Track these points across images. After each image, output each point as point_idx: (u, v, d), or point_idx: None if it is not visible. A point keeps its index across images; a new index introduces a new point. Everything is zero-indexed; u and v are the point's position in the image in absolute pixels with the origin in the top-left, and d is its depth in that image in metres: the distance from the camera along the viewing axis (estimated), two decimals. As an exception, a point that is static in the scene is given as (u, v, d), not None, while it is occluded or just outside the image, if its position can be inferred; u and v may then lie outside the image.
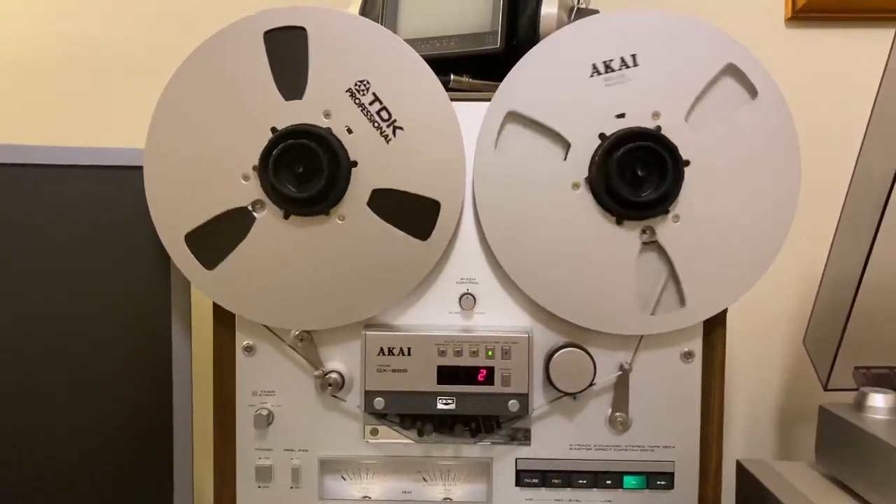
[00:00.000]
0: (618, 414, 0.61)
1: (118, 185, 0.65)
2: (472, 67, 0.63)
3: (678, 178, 0.56)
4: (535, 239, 0.58)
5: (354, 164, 0.57)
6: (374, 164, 0.57)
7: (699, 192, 0.57)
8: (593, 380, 0.59)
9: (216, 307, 0.61)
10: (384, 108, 0.57)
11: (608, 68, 0.57)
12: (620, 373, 0.61)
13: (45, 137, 0.75)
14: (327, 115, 0.57)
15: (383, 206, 0.57)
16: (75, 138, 0.82)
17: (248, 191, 0.58)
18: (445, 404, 0.59)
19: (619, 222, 0.57)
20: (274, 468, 0.63)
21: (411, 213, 0.57)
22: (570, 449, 0.62)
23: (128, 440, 0.67)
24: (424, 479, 0.64)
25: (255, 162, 0.57)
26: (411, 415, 0.61)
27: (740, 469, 0.76)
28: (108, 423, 0.67)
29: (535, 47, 0.57)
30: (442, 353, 0.59)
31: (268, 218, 0.58)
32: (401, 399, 0.59)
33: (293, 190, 0.56)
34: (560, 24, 0.62)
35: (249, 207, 0.58)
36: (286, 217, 0.57)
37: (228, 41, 0.57)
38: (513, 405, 0.58)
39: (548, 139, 0.58)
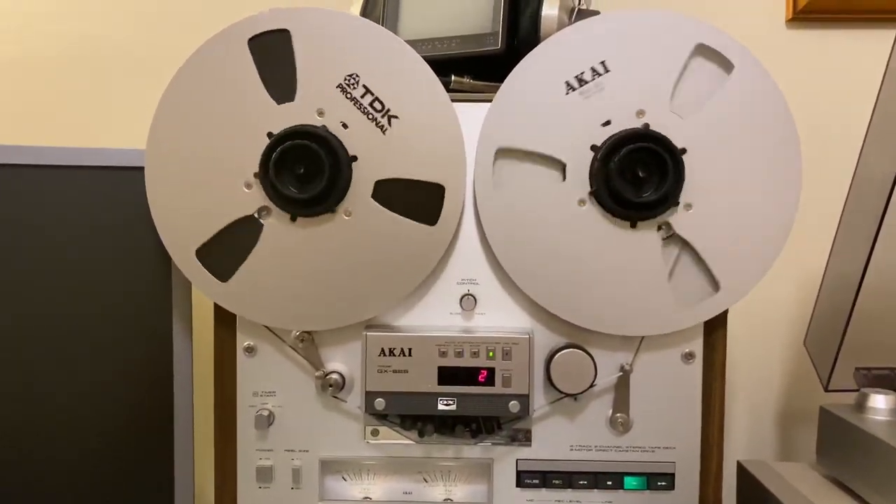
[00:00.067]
0: (618, 415, 0.61)
1: (119, 185, 0.65)
2: (472, 68, 0.63)
3: (679, 169, 0.56)
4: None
5: (354, 158, 0.57)
6: (374, 156, 0.57)
7: (703, 175, 0.57)
8: (594, 381, 0.59)
9: (217, 308, 0.61)
10: (376, 99, 0.57)
11: (581, 81, 0.57)
12: (621, 374, 0.61)
13: (45, 138, 0.75)
14: (321, 113, 0.57)
15: (388, 196, 0.57)
16: (75, 139, 0.82)
17: (253, 198, 0.58)
18: (446, 405, 0.59)
19: (633, 226, 0.57)
20: (275, 469, 0.63)
21: (417, 199, 0.57)
22: (571, 450, 0.62)
23: (128, 440, 0.67)
24: (425, 480, 0.64)
25: (256, 169, 0.57)
26: (412, 415, 0.61)
27: (741, 470, 0.76)
28: (108, 423, 0.67)
29: (510, 74, 0.57)
30: (443, 354, 0.59)
31: (275, 223, 0.58)
32: (401, 400, 0.59)
33: (296, 192, 0.56)
34: (561, 25, 0.62)
35: (256, 215, 0.58)
36: (293, 220, 0.57)
37: (215, 51, 0.57)
38: (513, 406, 0.58)
39: (543, 164, 0.58)
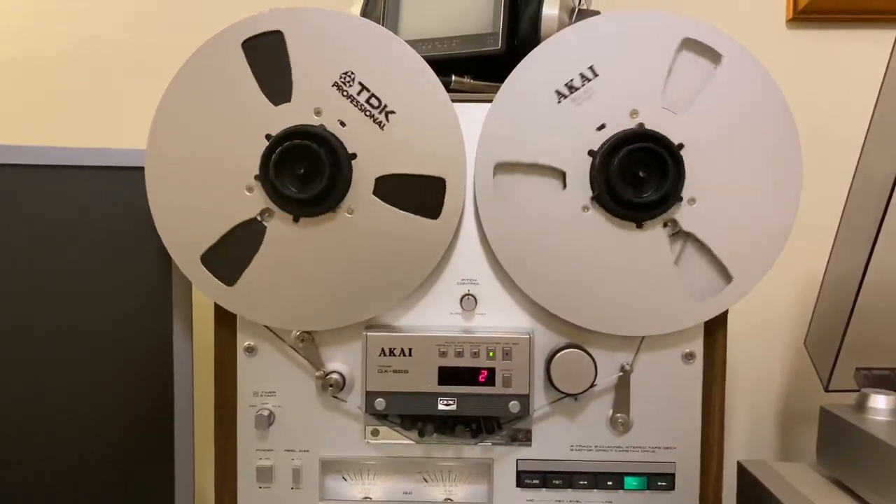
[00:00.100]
0: (619, 415, 0.61)
1: (119, 185, 0.65)
2: (473, 68, 0.63)
3: (678, 165, 0.56)
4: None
5: (353, 156, 0.57)
6: (373, 153, 0.57)
7: (704, 168, 0.57)
8: (594, 381, 0.59)
9: (217, 308, 0.61)
10: (373, 96, 0.57)
11: (572, 88, 0.57)
12: (621, 374, 0.61)
13: (45, 138, 0.75)
14: (318, 112, 0.57)
15: (389, 192, 0.57)
16: (75, 138, 0.82)
17: (254, 201, 0.58)
18: (446, 405, 0.59)
19: (639, 226, 0.57)
20: (275, 469, 0.63)
21: (418, 194, 0.57)
22: (571, 450, 0.62)
23: (129, 440, 0.67)
24: (425, 480, 0.64)
25: (256, 172, 0.57)
26: (412, 415, 0.61)
27: (741, 470, 0.76)
28: (109, 423, 0.67)
29: (501, 88, 0.57)
30: (443, 354, 0.59)
31: (278, 225, 0.58)
32: (402, 400, 0.59)
33: (297, 192, 0.56)
34: (561, 25, 0.62)
35: (258, 218, 0.58)
36: (296, 220, 0.57)
37: (210, 55, 0.57)
38: (514, 406, 0.58)
39: (543, 175, 0.58)
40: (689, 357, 0.61)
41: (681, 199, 0.57)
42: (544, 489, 0.62)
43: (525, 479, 0.62)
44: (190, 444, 0.67)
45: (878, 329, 0.72)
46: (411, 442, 0.62)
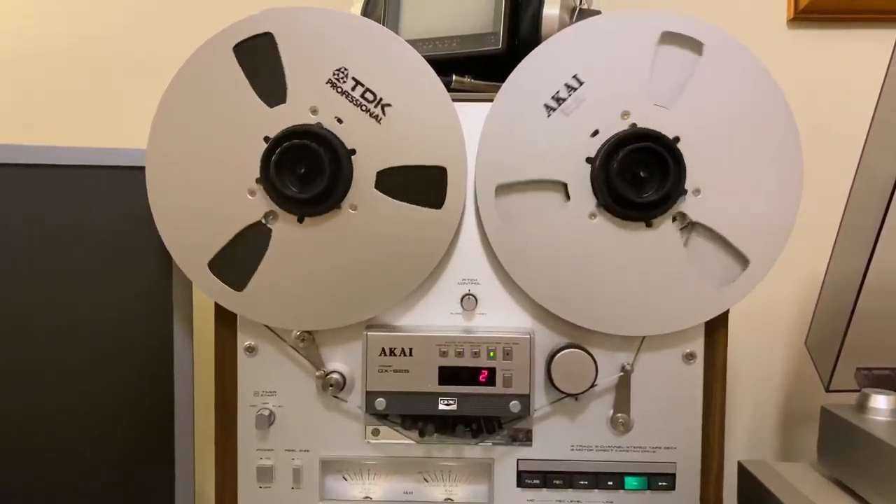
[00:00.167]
0: (619, 415, 0.61)
1: (119, 184, 0.65)
2: (474, 68, 0.63)
3: (677, 159, 0.56)
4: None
5: (353, 151, 0.57)
6: (372, 147, 0.57)
7: (703, 158, 0.56)
8: (595, 381, 0.59)
9: (217, 307, 0.61)
10: (367, 90, 0.57)
11: (559, 100, 0.57)
12: (622, 374, 0.61)
13: (45, 137, 0.75)
14: (314, 111, 0.57)
15: (391, 185, 0.57)
16: (75, 138, 0.82)
17: (257, 205, 0.58)
18: (447, 405, 0.59)
19: (648, 225, 0.57)
20: (275, 468, 0.63)
21: (420, 185, 0.57)
22: (572, 450, 0.62)
23: (129, 440, 0.67)
24: (426, 480, 0.64)
25: (257, 175, 0.57)
26: (412, 415, 0.61)
27: (742, 470, 0.76)
28: (109, 423, 0.67)
29: (490, 110, 0.57)
30: (443, 354, 0.59)
31: (283, 226, 0.58)
32: (402, 399, 0.59)
33: (300, 192, 0.56)
34: (562, 25, 0.62)
35: (263, 221, 0.58)
36: (300, 221, 0.57)
37: (203, 62, 0.57)
38: (514, 406, 0.58)
39: (545, 189, 0.58)
40: (689, 357, 0.61)
41: (685, 191, 0.56)
42: (545, 489, 0.62)
43: (525, 479, 0.62)
44: (190, 444, 0.67)
45: (879, 329, 0.72)
46: (412, 442, 0.62)
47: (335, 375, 0.60)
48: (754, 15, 0.95)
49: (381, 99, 0.57)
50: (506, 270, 0.59)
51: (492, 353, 0.58)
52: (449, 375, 0.58)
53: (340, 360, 0.62)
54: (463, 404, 0.59)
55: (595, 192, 0.57)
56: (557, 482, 0.62)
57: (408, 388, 0.59)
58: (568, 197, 0.57)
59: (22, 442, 0.66)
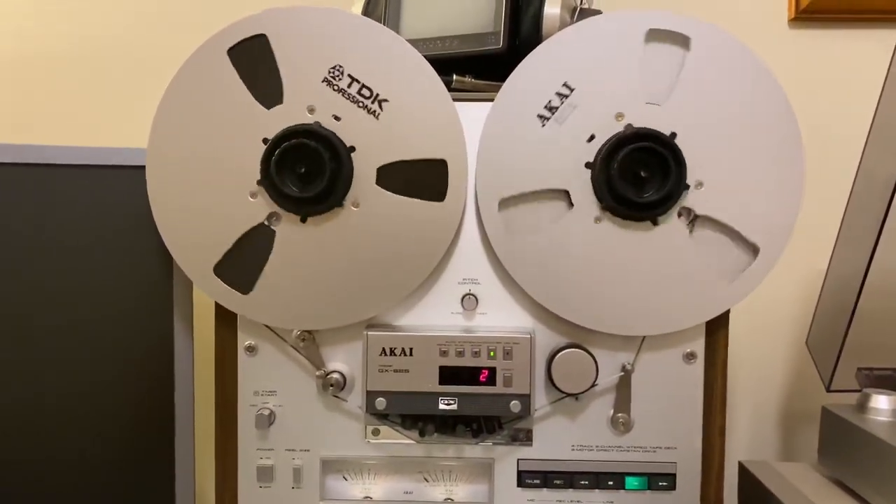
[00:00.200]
0: (620, 415, 0.61)
1: (119, 184, 0.65)
2: (474, 68, 0.63)
3: (676, 154, 0.55)
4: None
5: (352, 149, 0.57)
6: (372, 143, 0.57)
7: (702, 150, 0.56)
8: (595, 380, 0.59)
9: (218, 307, 0.61)
10: (363, 86, 0.57)
11: (552, 109, 0.57)
12: (622, 373, 0.60)
13: (46, 136, 0.75)
14: (311, 110, 0.57)
15: (392, 180, 0.57)
16: (75, 137, 0.82)
17: (260, 206, 0.58)
18: (447, 405, 0.59)
19: (655, 223, 0.57)
20: (275, 468, 0.62)
21: (421, 179, 0.57)
22: (572, 450, 0.62)
23: (130, 440, 0.67)
24: (426, 480, 0.63)
25: (258, 177, 0.57)
26: (413, 415, 0.61)
27: (742, 470, 0.76)
28: (109, 422, 0.67)
29: (485, 123, 0.57)
30: (444, 354, 0.58)
31: (287, 227, 0.58)
32: (402, 399, 0.59)
33: (301, 191, 0.56)
34: (563, 24, 0.62)
35: (266, 222, 0.58)
36: (303, 221, 0.57)
37: (198, 67, 0.57)
38: (514, 406, 0.58)
39: (548, 198, 0.58)
40: (690, 357, 0.61)
41: (687, 186, 0.56)
42: (545, 489, 0.62)
43: (526, 478, 0.62)
44: (190, 444, 0.67)
45: (880, 329, 0.71)
46: (412, 441, 0.62)
47: (335, 375, 0.60)
48: (755, 15, 0.95)
49: (377, 94, 0.57)
50: (506, 270, 0.59)
51: (492, 353, 0.58)
52: (449, 375, 0.58)
53: (341, 360, 0.62)
54: (463, 404, 0.59)
55: (598, 197, 0.57)
56: (558, 482, 0.62)
57: (408, 388, 0.59)
58: (571, 204, 0.57)
59: (22, 442, 0.66)
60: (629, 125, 0.56)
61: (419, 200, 0.57)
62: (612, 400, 0.61)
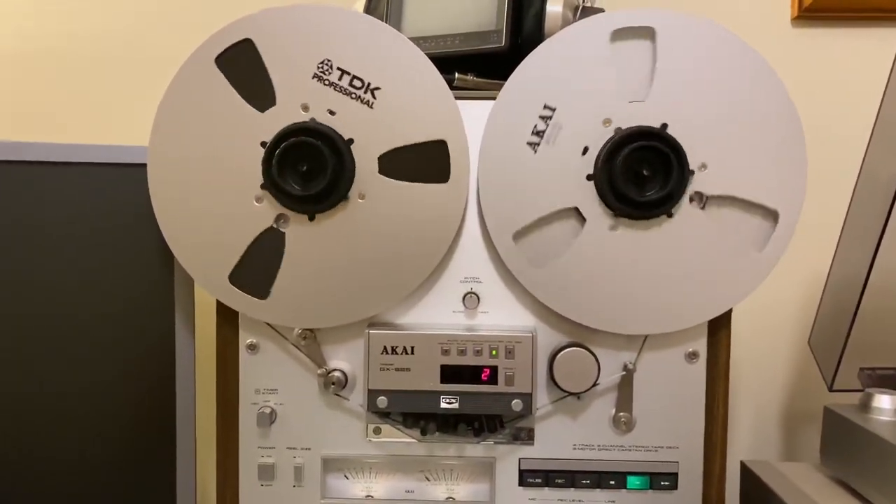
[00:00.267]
0: (622, 414, 0.60)
1: (120, 182, 0.65)
2: (476, 66, 0.63)
3: (674, 146, 0.55)
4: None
5: (351, 141, 0.57)
6: (369, 133, 0.57)
7: (699, 134, 0.56)
8: (597, 380, 0.59)
9: (219, 305, 0.61)
10: (354, 77, 0.56)
11: (539, 133, 0.57)
12: (624, 373, 0.60)
13: (46, 135, 0.75)
14: (305, 108, 0.57)
15: (394, 167, 0.57)
16: (76, 136, 0.82)
17: (266, 210, 0.58)
18: (449, 403, 0.59)
19: (670, 215, 0.57)
20: (277, 466, 0.62)
21: (423, 162, 0.57)
22: (574, 449, 0.62)
23: (131, 438, 0.67)
24: (427, 479, 0.63)
25: (261, 181, 0.57)
26: (414, 414, 0.61)
27: (744, 470, 0.76)
28: (111, 421, 0.67)
29: (479, 159, 0.58)
30: (445, 352, 0.58)
31: (296, 227, 0.58)
32: (404, 398, 0.59)
33: (306, 190, 0.56)
34: (565, 22, 0.62)
35: (275, 225, 0.58)
36: (311, 219, 0.57)
37: (189, 79, 0.57)
38: (516, 405, 0.58)
39: (559, 219, 0.58)
40: (692, 356, 0.61)
41: (692, 171, 0.56)
42: (547, 488, 0.62)
43: (527, 478, 0.62)
44: (192, 442, 0.67)
45: (883, 329, 0.71)
46: (413, 440, 0.62)
47: (337, 373, 0.60)
48: (758, 14, 0.95)
49: (369, 84, 0.56)
50: (508, 269, 0.59)
51: (494, 352, 0.58)
52: (451, 374, 0.58)
53: (342, 359, 0.61)
54: (465, 403, 0.59)
55: (608, 205, 0.57)
56: (559, 481, 0.62)
57: (410, 387, 0.59)
58: (584, 218, 0.57)
59: (22, 441, 0.66)
60: (618, 128, 0.56)
61: (424, 184, 0.57)
62: (613, 399, 0.61)
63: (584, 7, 0.65)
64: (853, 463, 0.66)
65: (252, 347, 0.62)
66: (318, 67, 0.56)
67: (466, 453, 0.62)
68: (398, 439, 0.62)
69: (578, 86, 0.56)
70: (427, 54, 0.57)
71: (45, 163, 0.65)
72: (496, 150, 0.57)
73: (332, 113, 0.57)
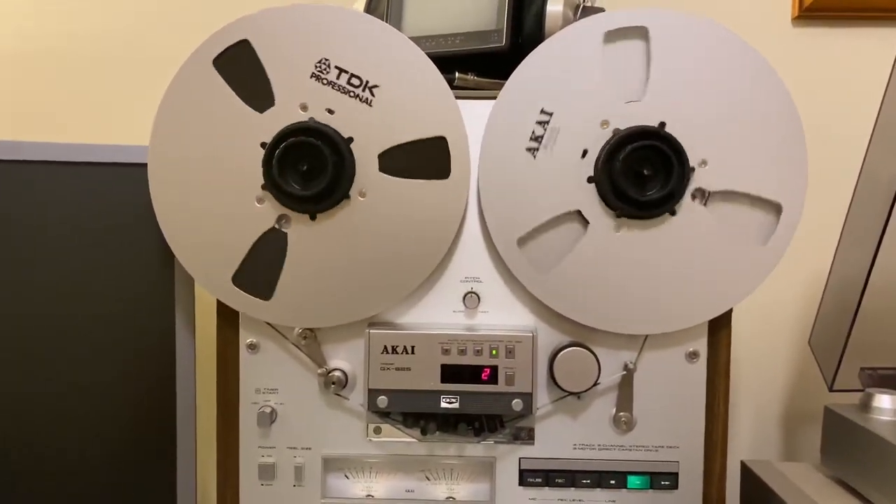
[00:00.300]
0: (622, 414, 0.60)
1: (120, 182, 0.65)
2: (477, 65, 0.63)
3: (673, 145, 0.55)
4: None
5: (350, 139, 0.57)
6: (369, 131, 0.57)
7: (697, 131, 0.56)
8: (597, 379, 0.59)
9: (220, 304, 0.61)
10: (352, 75, 0.56)
11: (538, 139, 0.57)
12: (625, 372, 0.60)
13: (46, 134, 0.75)
14: (304, 108, 0.57)
15: (395, 165, 0.57)
16: (77, 136, 0.82)
17: (268, 211, 0.58)
18: (449, 403, 0.59)
19: (673, 213, 0.57)
20: (277, 466, 0.62)
21: (423, 159, 0.57)
22: (574, 448, 0.62)
23: (131, 438, 0.67)
24: (428, 478, 0.63)
25: (262, 182, 0.57)
26: (415, 413, 0.61)
27: (745, 470, 0.76)
28: (111, 421, 0.67)
29: (479, 170, 0.58)
30: (446, 352, 0.58)
31: (298, 227, 0.58)
32: (404, 397, 0.59)
33: (307, 190, 0.56)
34: (566, 22, 0.62)
35: (276, 226, 0.58)
36: (313, 219, 0.57)
37: (187, 81, 0.57)
38: (516, 404, 0.58)
39: (564, 222, 0.58)
40: (692, 356, 0.61)
41: (692, 167, 0.56)
42: (547, 488, 0.62)
43: (528, 477, 0.62)
44: (192, 442, 0.67)
45: (883, 329, 0.71)
46: (414, 440, 0.62)
47: (337, 373, 0.60)
48: (758, 13, 0.95)
49: (367, 82, 0.56)
50: (508, 268, 0.59)
51: (494, 352, 0.58)
52: (451, 373, 0.58)
53: (342, 358, 0.61)
54: (465, 402, 0.59)
55: (610, 207, 0.57)
56: (560, 481, 0.62)
57: (410, 386, 0.59)
58: (586, 221, 0.57)
59: (22, 441, 0.66)
60: (616, 129, 0.56)
61: (425, 181, 0.57)
62: (614, 399, 0.61)
63: (584, 6, 0.65)
64: (853, 463, 0.66)
65: (252, 347, 0.62)
66: (316, 67, 0.56)
67: (467, 453, 0.62)
68: (398, 439, 0.62)
69: (575, 87, 0.56)
70: (427, 54, 0.57)
71: (45, 162, 0.65)
72: (497, 151, 0.57)
73: (330, 112, 0.57)
